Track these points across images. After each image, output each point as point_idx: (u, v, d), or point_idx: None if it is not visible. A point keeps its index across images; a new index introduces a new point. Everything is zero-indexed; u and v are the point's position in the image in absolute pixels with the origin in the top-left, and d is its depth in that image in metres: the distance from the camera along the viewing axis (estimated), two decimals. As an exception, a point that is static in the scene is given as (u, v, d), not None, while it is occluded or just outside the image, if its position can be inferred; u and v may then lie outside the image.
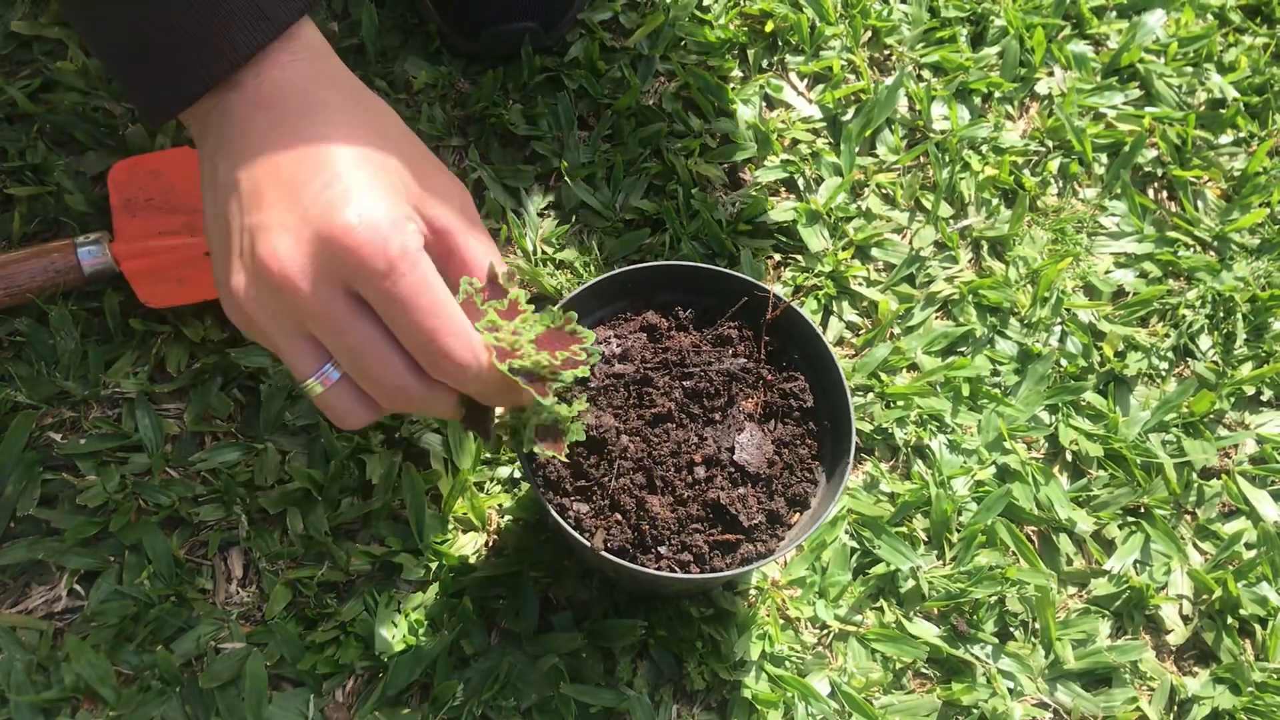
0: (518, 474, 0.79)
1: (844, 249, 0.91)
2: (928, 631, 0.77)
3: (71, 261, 0.78)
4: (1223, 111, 1.02)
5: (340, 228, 0.49)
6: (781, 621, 0.76)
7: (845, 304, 0.89)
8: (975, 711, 0.75)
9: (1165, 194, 0.99)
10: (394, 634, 0.72)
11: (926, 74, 1.01)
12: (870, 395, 0.85)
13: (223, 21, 0.52)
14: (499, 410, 0.60)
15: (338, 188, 0.50)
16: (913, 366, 0.87)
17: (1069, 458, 0.85)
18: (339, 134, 0.52)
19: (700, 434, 0.67)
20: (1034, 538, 0.82)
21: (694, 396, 0.68)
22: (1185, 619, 0.80)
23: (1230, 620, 0.80)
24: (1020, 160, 0.98)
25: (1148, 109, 1.02)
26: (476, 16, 0.92)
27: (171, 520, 0.75)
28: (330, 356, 0.53)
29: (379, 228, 0.50)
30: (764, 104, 0.98)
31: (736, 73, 0.99)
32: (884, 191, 0.95)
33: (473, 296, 0.55)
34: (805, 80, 1.00)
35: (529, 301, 0.57)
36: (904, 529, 0.80)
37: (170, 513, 0.75)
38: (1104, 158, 0.99)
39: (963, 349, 0.89)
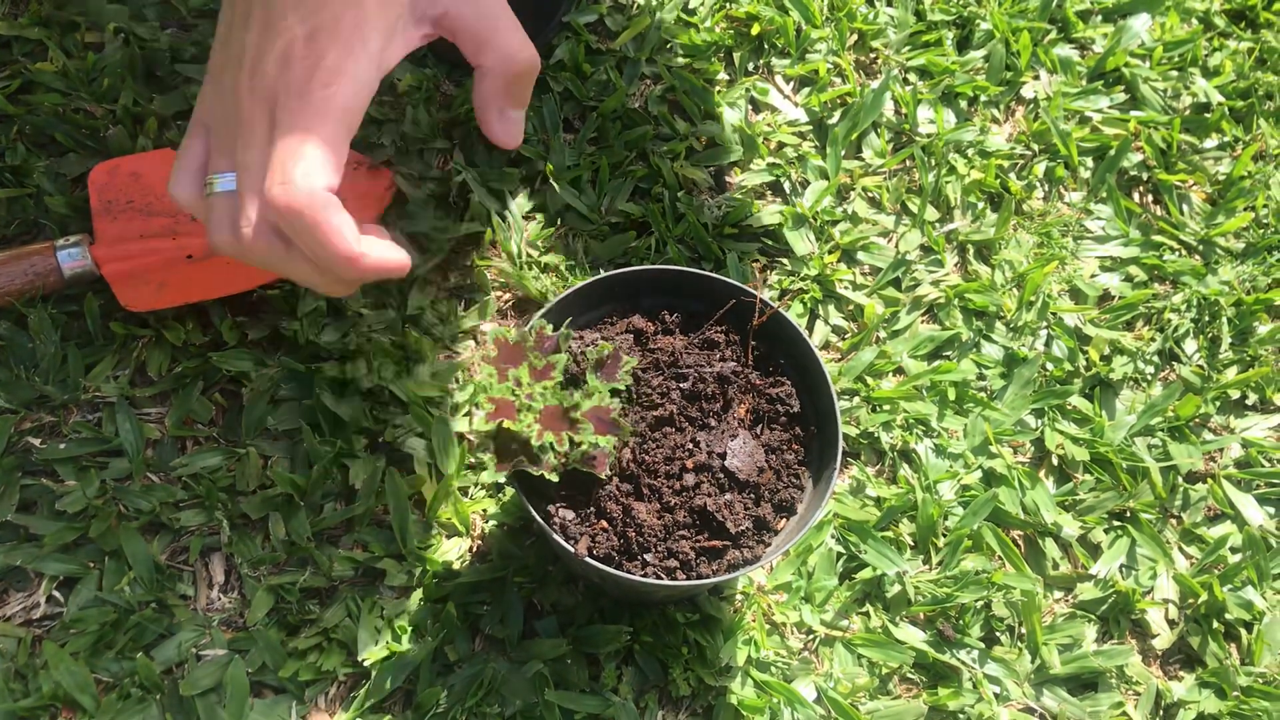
0: (502, 478, 0.79)
1: (830, 252, 0.91)
2: (914, 636, 0.76)
3: (51, 264, 0.77)
4: (1207, 116, 1.02)
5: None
6: (767, 627, 0.76)
7: (831, 308, 0.89)
8: (961, 717, 0.74)
9: (1150, 198, 0.99)
10: (377, 640, 0.72)
11: (912, 77, 1.01)
12: (856, 399, 0.85)
13: None
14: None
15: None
16: (899, 370, 0.87)
17: (1055, 462, 0.85)
18: None
19: (695, 439, 0.66)
20: (1020, 542, 0.82)
21: (692, 399, 0.68)
22: (1171, 623, 0.80)
23: (1216, 624, 0.80)
24: (1006, 164, 0.98)
25: (1133, 113, 1.02)
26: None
27: (152, 526, 0.75)
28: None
29: None
30: (750, 107, 0.98)
31: (722, 76, 0.99)
32: (870, 195, 0.95)
33: (526, 340, 0.61)
34: (791, 83, 1.00)
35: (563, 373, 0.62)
36: (890, 533, 0.80)
37: (151, 518, 0.74)
38: (1089, 161, 0.99)
39: (949, 353, 0.88)
